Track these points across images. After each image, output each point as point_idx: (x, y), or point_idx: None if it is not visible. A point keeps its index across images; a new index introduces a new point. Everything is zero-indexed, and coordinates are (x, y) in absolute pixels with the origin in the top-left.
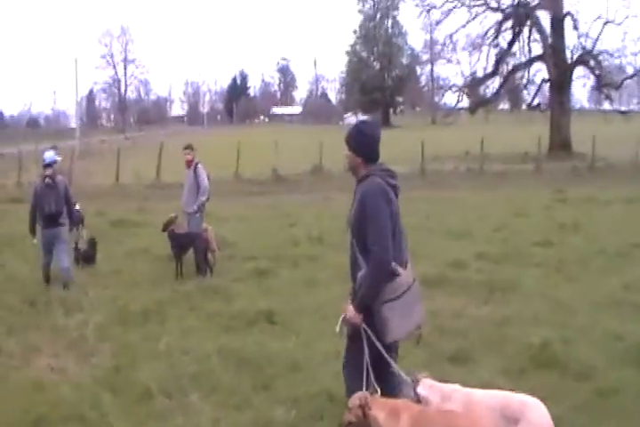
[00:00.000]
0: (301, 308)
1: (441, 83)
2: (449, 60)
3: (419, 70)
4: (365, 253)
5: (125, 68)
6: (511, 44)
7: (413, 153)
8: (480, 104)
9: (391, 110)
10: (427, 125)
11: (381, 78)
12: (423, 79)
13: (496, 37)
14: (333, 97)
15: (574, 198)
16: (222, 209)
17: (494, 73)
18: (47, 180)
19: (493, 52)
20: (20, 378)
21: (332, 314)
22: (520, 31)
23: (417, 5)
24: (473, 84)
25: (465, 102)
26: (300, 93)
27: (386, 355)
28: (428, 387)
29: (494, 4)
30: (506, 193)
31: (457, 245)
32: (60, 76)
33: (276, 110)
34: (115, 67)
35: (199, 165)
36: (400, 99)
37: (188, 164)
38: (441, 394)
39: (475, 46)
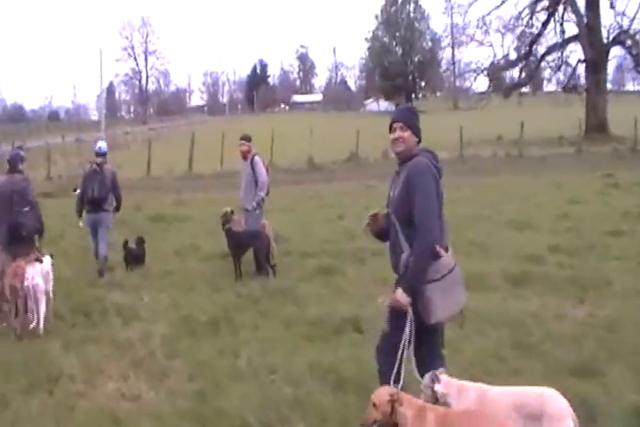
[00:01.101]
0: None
1: (463, 66)
2: (481, 43)
3: (440, 55)
4: (409, 234)
5: (146, 60)
6: (545, 24)
7: (446, 138)
8: (514, 87)
9: (413, 96)
10: (449, 110)
11: (404, 64)
12: (444, 64)
13: (530, 18)
14: (352, 84)
15: (627, 183)
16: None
17: (528, 55)
18: (94, 166)
19: (527, 33)
20: (89, 407)
21: None
22: (554, 11)
23: None
24: (506, 67)
25: (483, 87)
26: (320, 81)
27: (404, 346)
28: (444, 383)
29: None
30: (551, 178)
31: (524, 237)
32: (79, 69)
33: (297, 98)
34: (136, 58)
35: (256, 157)
36: (422, 84)
37: (245, 155)
38: (457, 389)
39: (508, 28)
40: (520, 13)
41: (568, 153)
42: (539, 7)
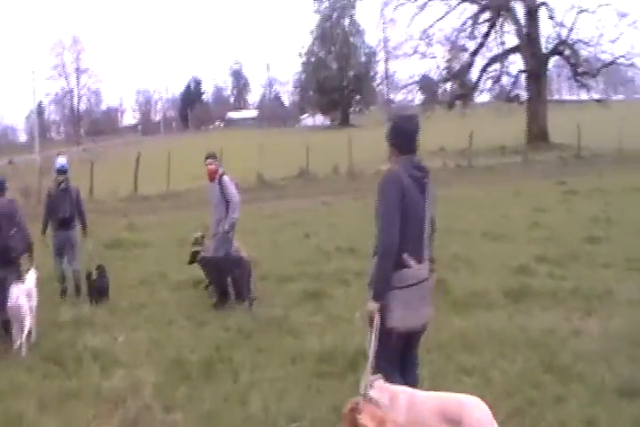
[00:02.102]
0: None
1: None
2: (424, 55)
3: (375, 69)
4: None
5: (78, 79)
6: (486, 36)
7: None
8: (457, 98)
9: (350, 110)
10: (383, 124)
11: (339, 78)
12: (378, 78)
13: (473, 30)
14: (287, 99)
15: (583, 190)
16: None
17: (470, 66)
18: (62, 185)
19: (469, 45)
20: None
21: (436, 344)
22: (495, 22)
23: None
24: (448, 78)
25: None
26: (254, 97)
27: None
28: (378, 389)
29: None
30: (505, 187)
31: (504, 249)
32: (5, 89)
33: (232, 115)
34: (67, 77)
35: (225, 177)
36: (357, 98)
37: (212, 175)
38: (389, 395)
39: (450, 40)
40: (462, 25)
41: (515, 162)
42: (480, 19)
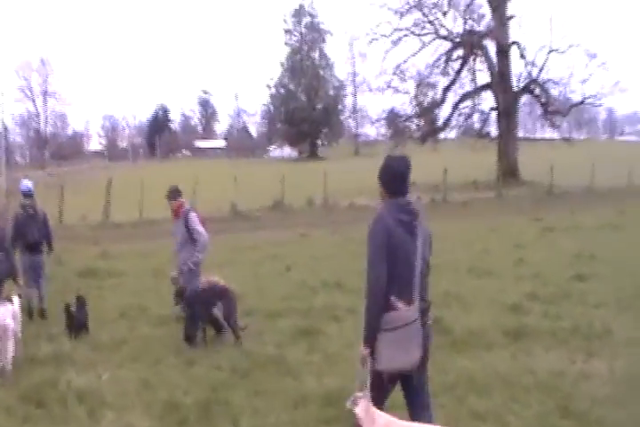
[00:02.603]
0: None
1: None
2: (397, 90)
3: (344, 102)
4: None
5: (45, 102)
6: (459, 72)
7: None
8: (429, 133)
9: (319, 142)
10: (351, 157)
11: (309, 110)
12: (346, 111)
13: (445, 66)
14: (254, 130)
15: (560, 226)
16: None
17: (442, 102)
18: (29, 209)
19: (442, 81)
20: None
21: (443, 387)
22: (467, 60)
23: (367, 34)
24: (420, 114)
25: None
26: (222, 127)
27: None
28: (363, 408)
29: (444, 32)
30: (481, 223)
31: (493, 286)
32: None
33: (200, 144)
34: (34, 100)
35: (191, 214)
36: (325, 130)
37: (177, 213)
38: (370, 417)
39: (422, 76)
40: (436, 62)
41: (488, 197)
42: (454, 56)
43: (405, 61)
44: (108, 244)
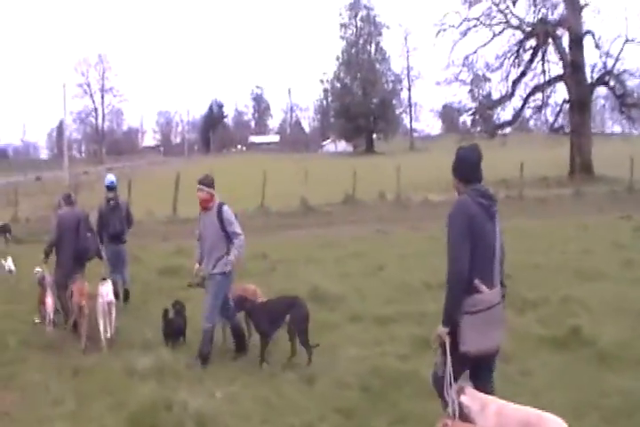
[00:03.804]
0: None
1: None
2: (465, 83)
3: (400, 96)
4: None
5: (103, 97)
6: (529, 64)
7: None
8: (498, 127)
9: (374, 136)
10: (406, 151)
11: (365, 105)
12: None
13: (516, 57)
14: (307, 125)
15: None
16: (273, 248)
17: (512, 94)
18: (112, 201)
19: (513, 72)
20: None
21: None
22: (538, 50)
23: (435, 25)
24: (490, 106)
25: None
26: (275, 122)
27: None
28: (470, 396)
29: (515, 22)
30: (563, 220)
31: (610, 290)
32: (29, 107)
33: (254, 139)
34: (92, 95)
35: (225, 207)
36: (382, 125)
37: (205, 204)
38: (480, 403)
39: (492, 68)
40: (506, 53)
41: (564, 194)
42: (527, 46)
43: (475, 52)
44: (179, 239)
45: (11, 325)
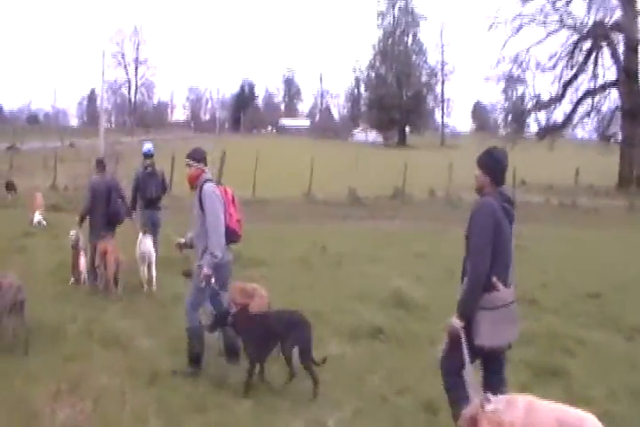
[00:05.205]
0: None
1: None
2: (517, 80)
3: (435, 90)
4: (466, 265)
5: (136, 69)
6: (582, 67)
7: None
8: (550, 130)
9: (407, 129)
10: (437, 147)
11: (399, 96)
12: (435, 100)
13: (570, 58)
14: (336, 112)
15: None
16: (329, 240)
17: (561, 97)
18: (149, 168)
19: (565, 73)
20: None
21: None
22: (592, 54)
23: (486, 18)
24: (538, 108)
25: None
26: (304, 106)
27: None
28: (493, 401)
29: (570, 22)
30: (619, 232)
31: None
32: (60, 74)
33: (284, 122)
34: (126, 67)
35: (208, 185)
36: (414, 118)
37: (191, 181)
38: (506, 400)
39: (543, 68)
40: (560, 53)
41: (618, 205)
42: (584, 47)
43: (528, 51)
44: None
45: (68, 309)
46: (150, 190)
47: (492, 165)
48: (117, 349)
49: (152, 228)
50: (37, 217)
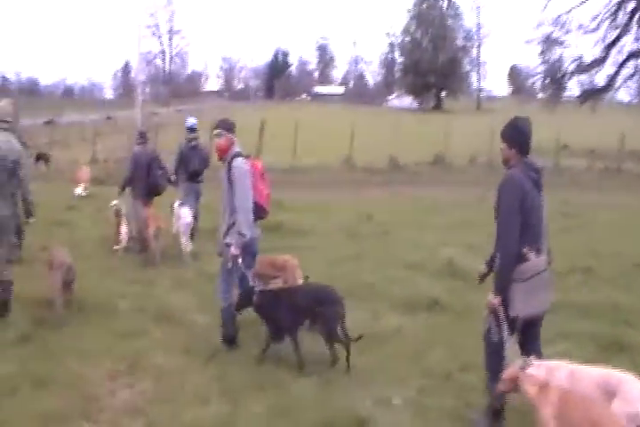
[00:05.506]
0: None
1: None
2: (557, 42)
3: (472, 53)
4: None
5: (170, 40)
6: (626, 27)
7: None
8: (592, 93)
9: (443, 94)
10: (473, 111)
11: (435, 61)
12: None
13: (613, 20)
14: (370, 79)
15: None
16: (373, 208)
17: (604, 59)
18: (192, 142)
19: (609, 35)
20: None
21: None
22: (635, 14)
23: None
24: (580, 71)
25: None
26: (338, 73)
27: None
28: (535, 366)
29: None
30: None
31: None
32: (94, 47)
33: (318, 89)
34: (160, 37)
35: (239, 160)
36: (450, 82)
37: (220, 153)
38: (546, 368)
39: (585, 29)
40: (603, 14)
41: None
42: (628, 7)
43: (569, 12)
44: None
45: (116, 284)
46: (194, 164)
47: (516, 136)
48: (172, 325)
49: (194, 199)
50: (79, 190)
